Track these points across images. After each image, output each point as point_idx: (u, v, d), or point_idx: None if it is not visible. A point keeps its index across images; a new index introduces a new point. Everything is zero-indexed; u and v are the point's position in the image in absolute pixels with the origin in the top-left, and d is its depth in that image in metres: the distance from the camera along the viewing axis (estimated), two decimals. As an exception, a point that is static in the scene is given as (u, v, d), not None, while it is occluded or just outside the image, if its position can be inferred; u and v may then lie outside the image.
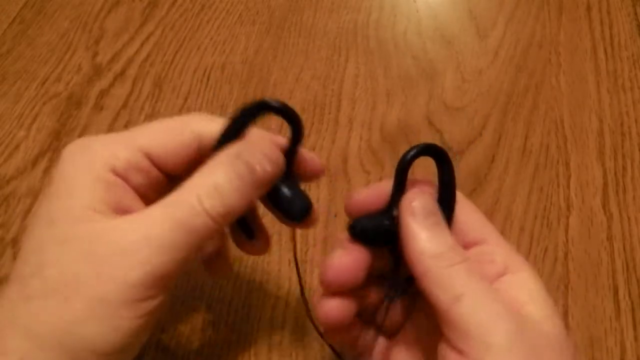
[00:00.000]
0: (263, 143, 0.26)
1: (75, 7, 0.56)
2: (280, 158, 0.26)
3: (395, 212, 0.26)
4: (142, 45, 0.52)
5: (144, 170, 0.26)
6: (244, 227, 0.30)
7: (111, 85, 0.50)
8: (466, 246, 0.26)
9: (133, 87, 0.49)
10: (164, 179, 0.27)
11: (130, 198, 0.25)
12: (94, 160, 0.25)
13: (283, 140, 0.28)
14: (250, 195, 0.25)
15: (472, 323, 0.22)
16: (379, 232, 0.26)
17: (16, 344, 0.23)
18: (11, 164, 0.44)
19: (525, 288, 0.25)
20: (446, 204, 0.26)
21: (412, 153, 0.25)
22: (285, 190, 0.27)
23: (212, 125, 0.27)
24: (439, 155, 0.26)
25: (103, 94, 0.49)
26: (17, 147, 0.46)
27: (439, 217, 0.25)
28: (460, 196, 0.27)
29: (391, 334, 0.29)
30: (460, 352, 0.22)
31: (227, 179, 0.24)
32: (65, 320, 0.23)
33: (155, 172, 0.26)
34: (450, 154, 0.26)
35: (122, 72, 0.50)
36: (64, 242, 0.23)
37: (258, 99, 0.27)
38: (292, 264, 0.39)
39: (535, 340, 0.22)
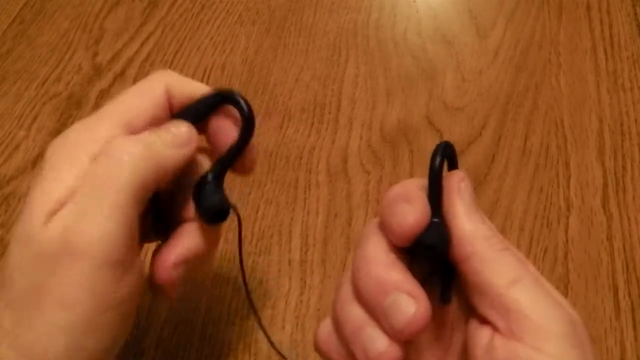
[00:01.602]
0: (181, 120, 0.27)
1: (75, 7, 0.56)
2: (194, 130, 0.27)
3: (435, 219, 0.24)
4: (142, 45, 0.52)
5: None
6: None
7: (111, 85, 0.50)
8: None
9: (133, 87, 0.49)
10: None
11: None
12: (74, 153, 0.25)
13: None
14: (173, 148, 0.26)
15: (530, 307, 0.22)
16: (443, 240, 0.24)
17: (2, 354, 0.23)
18: (11, 164, 0.44)
19: (544, 282, 0.24)
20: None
21: (439, 158, 0.24)
22: (208, 189, 0.27)
23: (181, 84, 0.27)
24: (451, 151, 0.25)
25: (103, 94, 0.49)
26: (17, 147, 0.46)
27: (476, 205, 0.25)
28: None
29: None
30: (511, 335, 0.22)
31: (147, 134, 0.25)
32: (44, 331, 0.23)
33: None
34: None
35: (122, 72, 0.50)
36: (22, 246, 0.23)
37: (224, 89, 0.27)
38: (292, 264, 0.39)
39: (582, 332, 0.22)
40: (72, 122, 0.47)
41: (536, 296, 0.22)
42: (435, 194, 0.24)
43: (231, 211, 0.27)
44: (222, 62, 0.51)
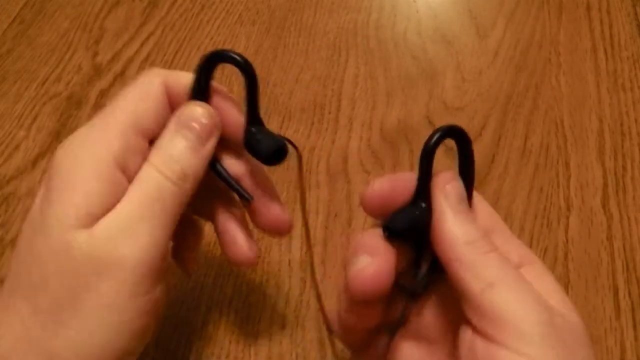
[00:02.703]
0: (193, 104, 0.27)
1: (75, 7, 0.56)
2: (210, 110, 0.27)
3: (423, 203, 0.24)
4: (142, 45, 0.52)
5: (140, 149, 0.26)
6: (238, 191, 0.29)
7: (111, 85, 0.50)
8: None
9: (133, 87, 0.49)
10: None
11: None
12: (98, 156, 0.25)
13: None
14: (201, 150, 0.27)
15: (506, 311, 0.22)
16: (418, 227, 0.24)
17: None
18: (11, 164, 0.44)
19: (542, 280, 0.25)
20: (466, 187, 0.25)
21: (436, 136, 0.24)
22: (256, 133, 0.27)
23: (175, 77, 0.28)
24: (461, 137, 0.25)
25: (103, 94, 0.49)
26: (17, 147, 0.46)
27: (467, 204, 0.25)
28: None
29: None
30: (490, 338, 0.22)
31: (174, 143, 0.26)
32: (75, 332, 0.23)
33: (147, 146, 0.27)
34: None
35: (122, 72, 0.50)
36: (60, 252, 0.24)
37: (211, 51, 0.28)
38: (292, 264, 0.39)
39: (564, 331, 0.22)
40: (72, 122, 0.47)
41: (513, 298, 0.22)
42: (424, 177, 0.24)
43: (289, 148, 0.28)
44: (222, 62, 0.51)
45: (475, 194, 0.27)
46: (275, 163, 0.27)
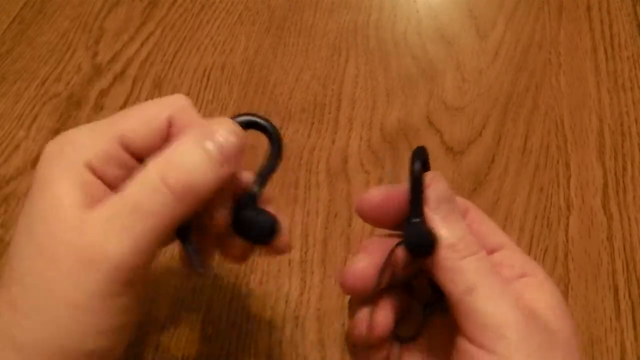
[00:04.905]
0: (223, 120, 0.25)
1: (75, 7, 0.56)
2: (240, 131, 0.25)
3: (415, 220, 0.25)
4: (142, 45, 0.52)
5: (121, 162, 0.25)
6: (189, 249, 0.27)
7: (111, 85, 0.50)
8: (487, 253, 0.26)
9: (133, 87, 0.49)
10: (139, 165, 0.26)
11: (104, 195, 0.25)
12: (71, 160, 0.25)
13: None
14: (216, 170, 0.24)
15: (486, 314, 0.23)
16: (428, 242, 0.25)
17: (4, 356, 0.23)
18: (11, 164, 0.44)
19: (541, 290, 0.25)
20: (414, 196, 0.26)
21: (418, 166, 0.25)
22: (249, 213, 0.26)
23: (186, 116, 0.26)
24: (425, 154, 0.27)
25: (103, 94, 0.49)
26: (17, 147, 0.46)
27: (454, 204, 0.25)
28: (472, 205, 0.28)
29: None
30: (474, 341, 0.23)
31: (191, 154, 0.24)
32: (47, 329, 0.23)
33: (132, 162, 0.26)
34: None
35: (122, 72, 0.50)
36: (39, 250, 0.23)
37: (249, 114, 0.27)
38: (292, 264, 0.39)
39: (545, 336, 0.23)
40: (72, 122, 0.47)
41: (492, 303, 0.23)
42: (417, 199, 0.25)
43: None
44: (222, 62, 0.51)
45: (480, 211, 0.28)
46: (263, 242, 0.26)
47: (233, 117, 0.26)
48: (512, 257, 0.27)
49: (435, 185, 0.25)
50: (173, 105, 0.26)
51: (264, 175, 0.27)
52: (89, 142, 0.25)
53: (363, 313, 0.26)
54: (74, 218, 0.23)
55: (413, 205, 0.25)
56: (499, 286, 0.24)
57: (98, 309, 0.23)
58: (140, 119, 0.26)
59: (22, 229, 0.25)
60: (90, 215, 0.23)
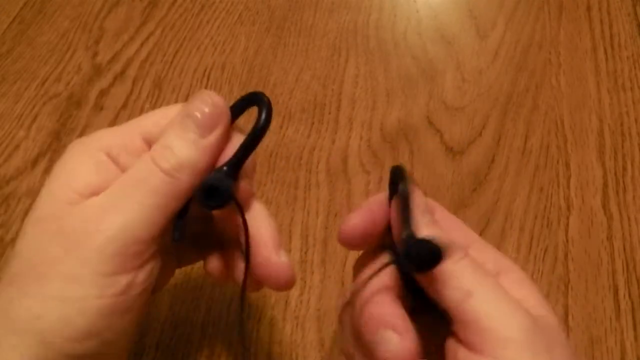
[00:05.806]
0: (198, 92, 0.27)
1: (75, 7, 0.56)
2: (215, 96, 0.26)
3: (404, 235, 0.24)
4: (142, 45, 0.52)
5: (139, 152, 0.26)
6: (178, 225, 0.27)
7: (111, 85, 0.50)
8: None
9: (133, 87, 0.49)
10: None
11: (116, 177, 0.26)
12: (89, 145, 0.26)
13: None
14: (200, 141, 0.26)
15: (487, 318, 0.22)
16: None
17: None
18: (11, 164, 0.44)
19: (524, 286, 0.25)
20: None
21: (403, 187, 0.25)
22: (216, 174, 0.26)
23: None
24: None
25: (103, 94, 0.49)
26: (17, 147, 0.46)
27: (432, 214, 0.26)
28: (437, 204, 0.28)
29: None
30: (472, 347, 0.22)
31: (173, 134, 0.26)
32: (36, 302, 0.23)
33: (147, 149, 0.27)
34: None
35: (122, 72, 0.50)
36: (38, 222, 0.24)
37: (253, 92, 0.28)
38: (292, 264, 0.39)
39: (547, 335, 0.23)
40: (72, 122, 0.47)
41: (493, 306, 0.23)
42: (408, 216, 0.25)
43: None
44: (222, 62, 0.51)
45: (442, 208, 0.28)
46: (208, 203, 0.26)
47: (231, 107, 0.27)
48: (485, 253, 0.26)
49: (417, 200, 0.25)
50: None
51: (237, 155, 0.27)
52: (110, 134, 0.27)
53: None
54: (75, 195, 0.24)
55: (405, 222, 0.25)
56: (498, 289, 0.23)
57: (91, 284, 0.23)
58: (162, 114, 0.27)
59: (30, 211, 0.25)
60: (88, 201, 0.24)
